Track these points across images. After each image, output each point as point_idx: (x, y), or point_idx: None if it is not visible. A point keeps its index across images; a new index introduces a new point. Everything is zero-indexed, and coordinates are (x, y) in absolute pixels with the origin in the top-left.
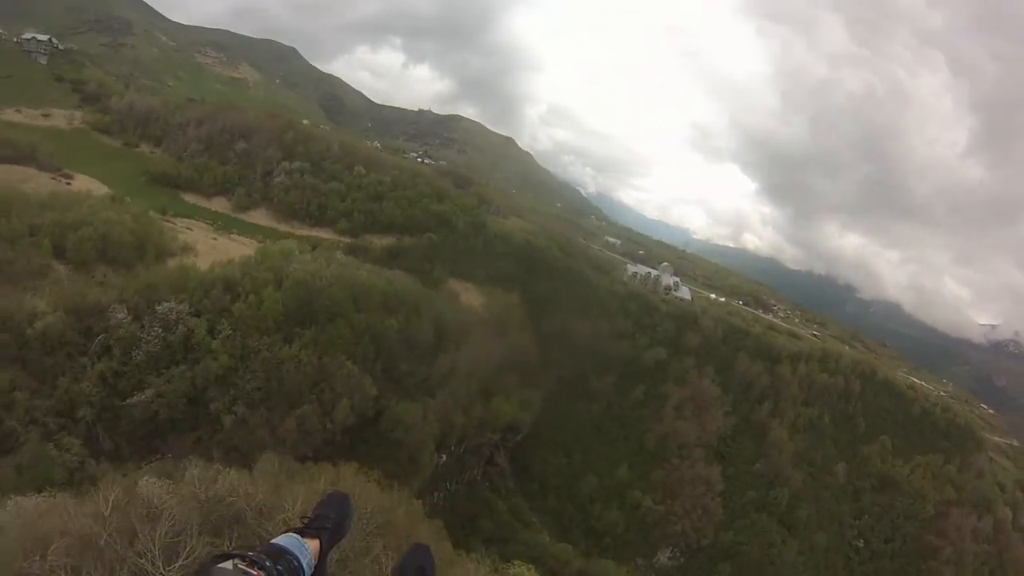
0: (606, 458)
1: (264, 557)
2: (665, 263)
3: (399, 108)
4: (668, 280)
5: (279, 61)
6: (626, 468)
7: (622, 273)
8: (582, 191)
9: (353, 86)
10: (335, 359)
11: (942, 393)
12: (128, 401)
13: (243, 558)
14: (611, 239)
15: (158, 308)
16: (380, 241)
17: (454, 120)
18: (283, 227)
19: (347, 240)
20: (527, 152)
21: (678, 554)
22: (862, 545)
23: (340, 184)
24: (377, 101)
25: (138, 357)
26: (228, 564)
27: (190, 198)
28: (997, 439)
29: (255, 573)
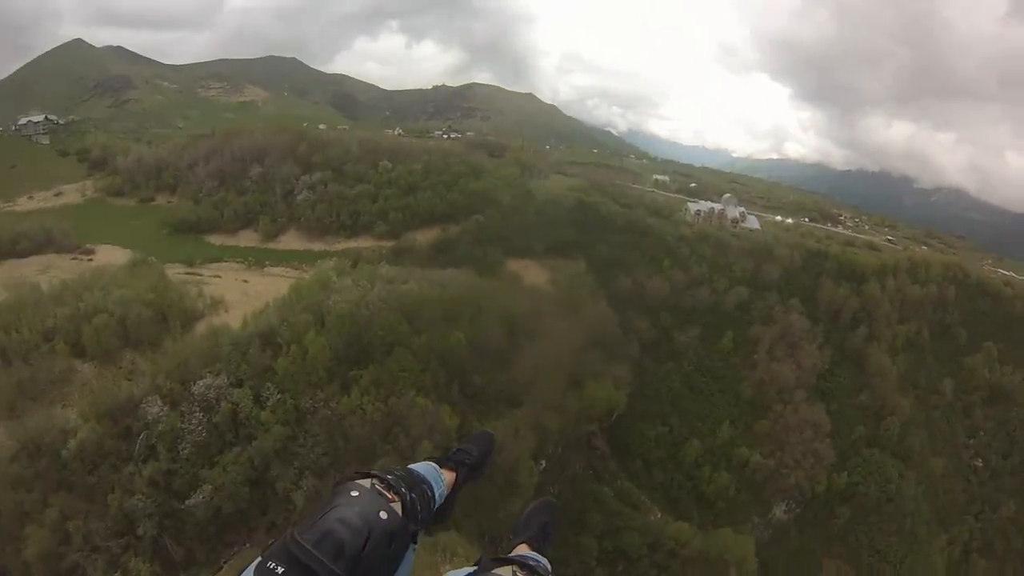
0: (705, 418)
1: (402, 482)
2: (728, 194)
3: (413, 90)
4: (734, 212)
5: (283, 74)
6: (727, 425)
7: (684, 214)
8: (613, 131)
9: (362, 80)
10: (403, 397)
11: None
12: (187, 504)
13: (382, 480)
14: (659, 177)
15: (194, 388)
16: (424, 236)
17: (470, 89)
18: (317, 246)
19: (388, 244)
20: (551, 105)
21: (793, 506)
22: (980, 464)
23: (368, 185)
24: (389, 88)
25: (185, 451)
26: (366, 483)
27: (215, 239)
28: None
29: (390, 497)
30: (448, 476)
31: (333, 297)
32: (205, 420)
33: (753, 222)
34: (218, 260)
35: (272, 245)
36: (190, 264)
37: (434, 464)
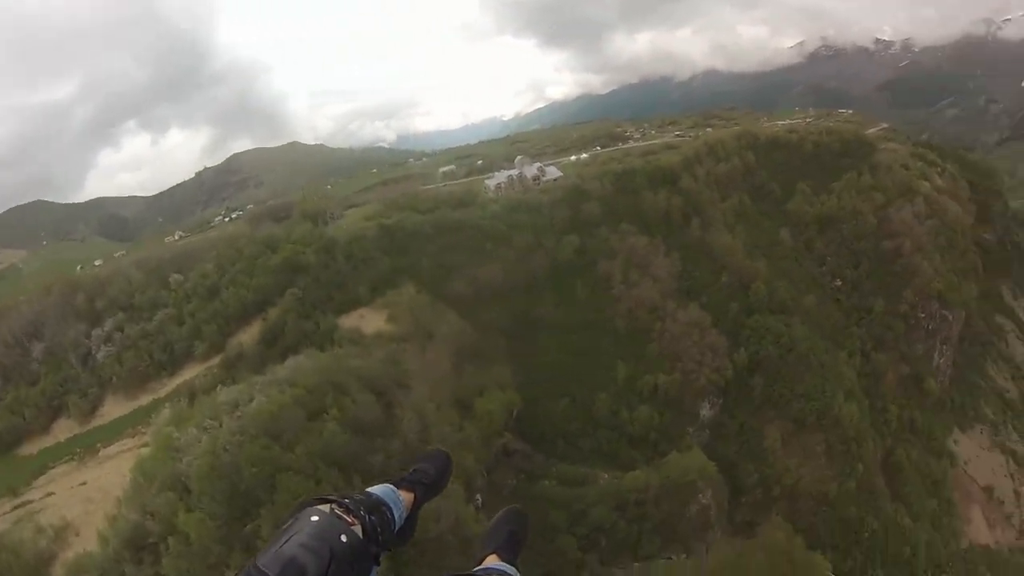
0: (598, 369)
1: (360, 506)
2: (518, 157)
3: (177, 185)
4: (532, 170)
5: (34, 223)
6: (620, 364)
7: (485, 192)
8: (384, 145)
9: (122, 195)
10: None
11: (808, 120)
12: None
13: (340, 503)
14: (444, 169)
15: None
16: (249, 336)
17: (234, 161)
18: (144, 399)
19: (215, 361)
20: (317, 144)
21: (715, 400)
22: (839, 283)
23: (167, 309)
24: (152, 193)
25: None
26: (325, 508)
27: (28, 448)
28: (871, 131)
29: (349, 520)
30: (407, 497)
31: (185, 458)
32: None
33: (553, 172)
34: (43, 472)
35: (95, 423)
36: (15, 494)
37: (391, 486)
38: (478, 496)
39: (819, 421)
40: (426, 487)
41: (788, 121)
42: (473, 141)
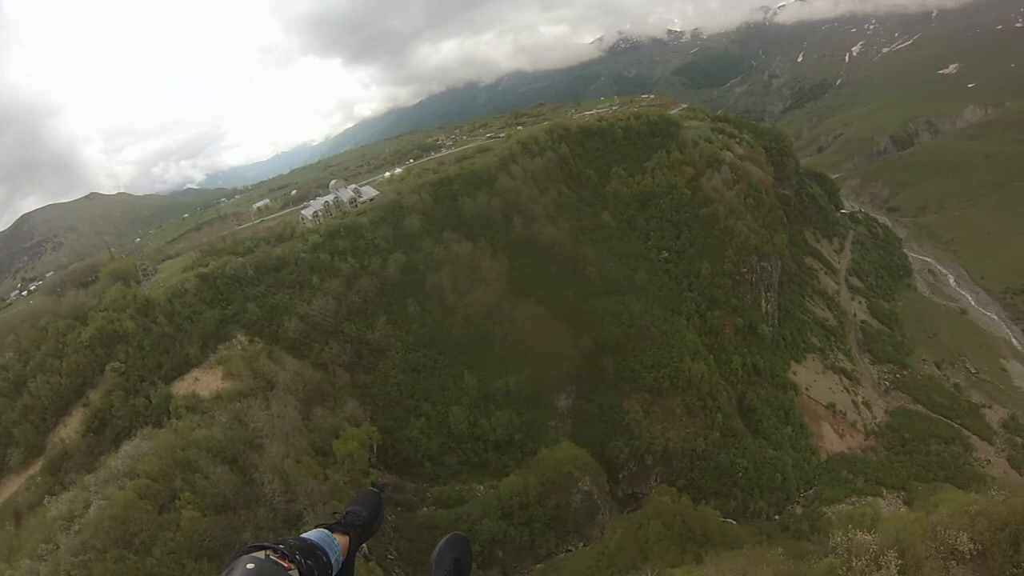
0: (445, 383)
1: (296, 551)
2: (333, 180)
3: None
4: (347, 193)
5: None
6: (467, 374)
7: (302, 223)
8: (193, 187)
9: None
10: None
11: (614, 108)
12: None
13: (275, 550)
14: (259, 204)
15: None
16: (71, 429)
17: (24, 223)
18: None
19: (38, 469)
20: (119, 193)
21: (571, 390)
22: (666, 255)
23: None
24: None
25: None
26: (260, 554)
27: None
28: (674, 111)
29: (286, 566)
30: (342, 540)
31: None
32: None
33: (369, 191)
34: None
35: None
36: None
37: (326, 530)
38: (365, 549)
39: (673, 385)
40: (360, 529)
41: (596, 111)
42: (285, 171)
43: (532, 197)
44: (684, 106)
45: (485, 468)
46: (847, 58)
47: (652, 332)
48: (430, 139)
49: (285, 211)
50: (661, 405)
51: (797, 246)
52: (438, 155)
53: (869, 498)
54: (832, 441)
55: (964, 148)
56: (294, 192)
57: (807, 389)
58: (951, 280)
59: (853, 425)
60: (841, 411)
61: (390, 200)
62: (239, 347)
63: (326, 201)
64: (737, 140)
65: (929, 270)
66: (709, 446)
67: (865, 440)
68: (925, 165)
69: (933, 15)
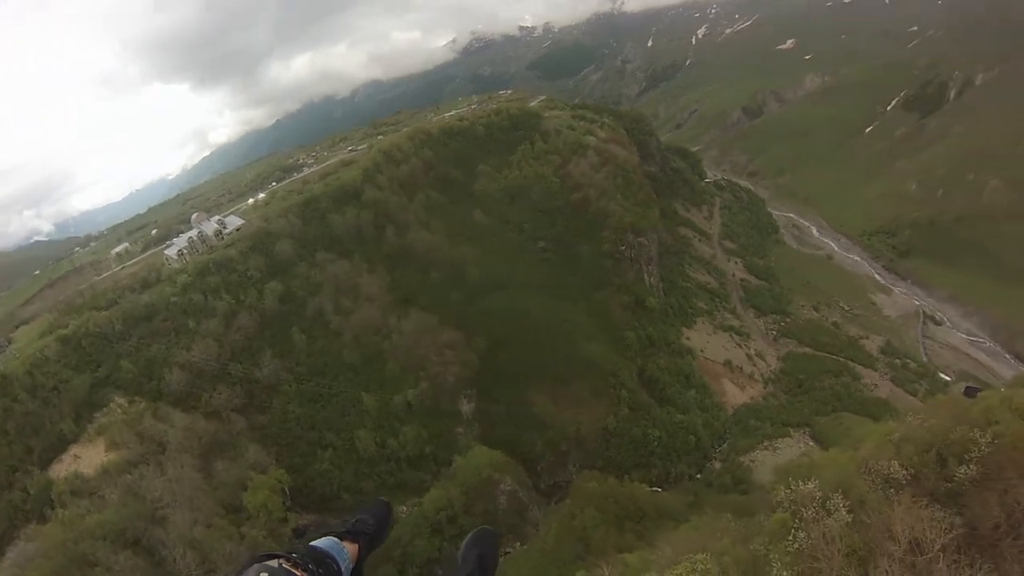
0: (347, 408)
1: (308, 559)
2: (194, 214)
3: None
4: (211, 226)
5: None
6: (365, 396)
7: (167, 264)
8: (43, 239)
9: None
10: None
11: (473, 107)
12: None
13: (287, 558)
14: (118, 250)
15: None
16: None
17: None
18: None
19: None
20: None
21: (472, 393)
22: (543, 244)
23: None
24: None
25: None
26: (274, 563)
27: None
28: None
29: (299, 573)
30: (351, 548)
31: None
32: None
33: (235, 221)
34: None
35: None
36: None
37: (335, 538)
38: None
39: (574, 370)
40: (369, 537)
41: (455, 112)
42: (142, 209)
43: (401, 205)
44: (543, 98)
45: (403, 487)
46: (694, 40)
47: (543, 322)
48: (291, 159)
49: (147, 253)
50: (566, 392)
51: (670, 218)
52: (301, 175)
53: (779, 440)
54: (734, 395)
55: (808, 113)
56: (155, 232)
57: (702, 351)
58: (814, 231)
59: (751, 376)
60: (737, 366)
61: (257, 228)
62: (119, 411)
63: (190, 237)
64: (599, 125)
65: (794, 224)
66: (620, 422)
67: (764, 388)
68: (776, 131)
69: None
